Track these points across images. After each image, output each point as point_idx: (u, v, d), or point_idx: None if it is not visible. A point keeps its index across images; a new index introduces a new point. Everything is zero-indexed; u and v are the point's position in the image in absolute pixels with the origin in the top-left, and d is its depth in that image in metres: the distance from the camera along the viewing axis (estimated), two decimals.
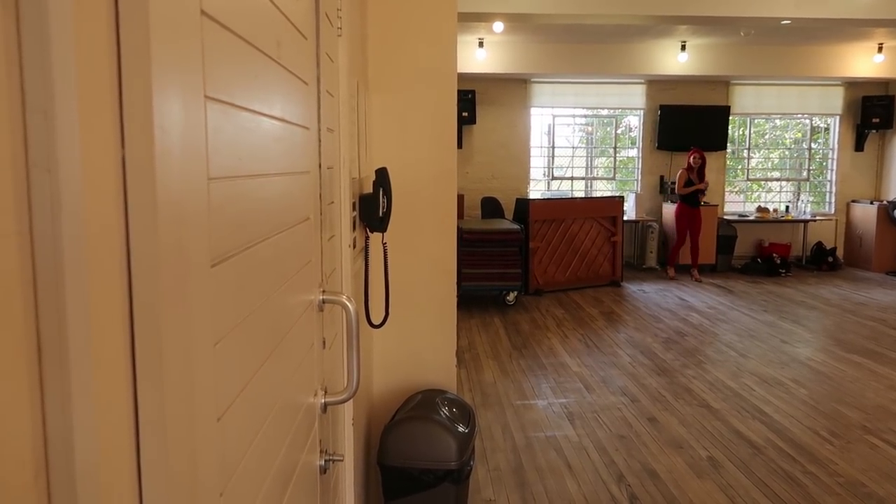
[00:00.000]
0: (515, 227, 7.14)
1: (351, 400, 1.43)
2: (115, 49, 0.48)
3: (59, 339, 0.38)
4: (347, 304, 1.36)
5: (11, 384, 0.36)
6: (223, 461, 0.73)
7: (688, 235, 8.69)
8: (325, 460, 1.34)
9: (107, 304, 0.45)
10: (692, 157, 8.43)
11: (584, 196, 9.65)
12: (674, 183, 9.68)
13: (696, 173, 8.46)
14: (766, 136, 10.45)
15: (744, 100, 9.89)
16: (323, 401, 1.35)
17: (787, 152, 10.46)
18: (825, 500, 3.09)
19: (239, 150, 0.78)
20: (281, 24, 1.04)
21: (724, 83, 9.74)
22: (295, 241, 1.16)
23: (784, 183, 10.40)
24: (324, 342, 1.42)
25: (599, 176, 10.13)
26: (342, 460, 1.37)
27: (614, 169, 10.12)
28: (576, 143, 10.12)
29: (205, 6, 0.67)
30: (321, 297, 1.36)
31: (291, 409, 1.14)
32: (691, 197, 8.51)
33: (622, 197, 8.62)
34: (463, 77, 8.71)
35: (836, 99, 9.93)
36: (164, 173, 0.52)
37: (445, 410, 2.40)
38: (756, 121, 10.22)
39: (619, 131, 10.15)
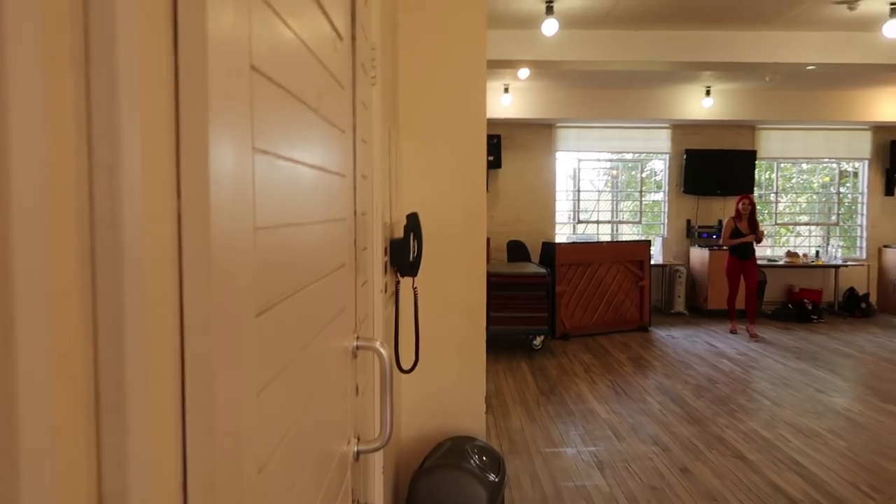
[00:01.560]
0: (542, 270, 7.11)
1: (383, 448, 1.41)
2: (174, 104, 0.49)
3: (118, 396, 0.38)
4: (381, 350, 1.35)
5: (72, 441, 0.35)
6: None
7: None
8: None
9: (161, 358, 0.45)
10: (741, 204, 7.76)
11: (610, 240, 9.60)
12: (707, 229, 9.61)
13: (747, 222, 7.71)
14: (794, 181, 10.37)
15: (770, 144, 9.85)
16: (356, 448, 1.33)
17: (815, 196, 10.36)
18: None
19: (282, 199, 0.79)
20: (322, 75, 1.06)
21: (749, 127, 9.73)
22: (332, 288, 1.16)
23: (813, 227, 10.26)
24: (357, 389, 1.41)
25: (625, 220, 10.09)
26: None
27: (640, 213, 10.09)
28: (601, 187, 10.13)
29: (254, 61, 0.69)
30: (355, 344, 1.35)
31: (326, 457, 1.13)
32: (742, 248, 7.74)
33: (649, 241, 8.56)
34: (489, 122, 8.78)
35: (863, 143, 9.85)
36: (217, 224, 0.53)
37: (476, 458, 2.36)
38: (783, 165, 10.16)
39: (644, 175, 10.15)
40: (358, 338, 1.37)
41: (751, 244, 7.74)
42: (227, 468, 0.56)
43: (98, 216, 0.38)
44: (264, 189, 0.70)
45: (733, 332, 8.01)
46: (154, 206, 0.44)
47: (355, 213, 1.44)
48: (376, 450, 1.35)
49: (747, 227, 7.72)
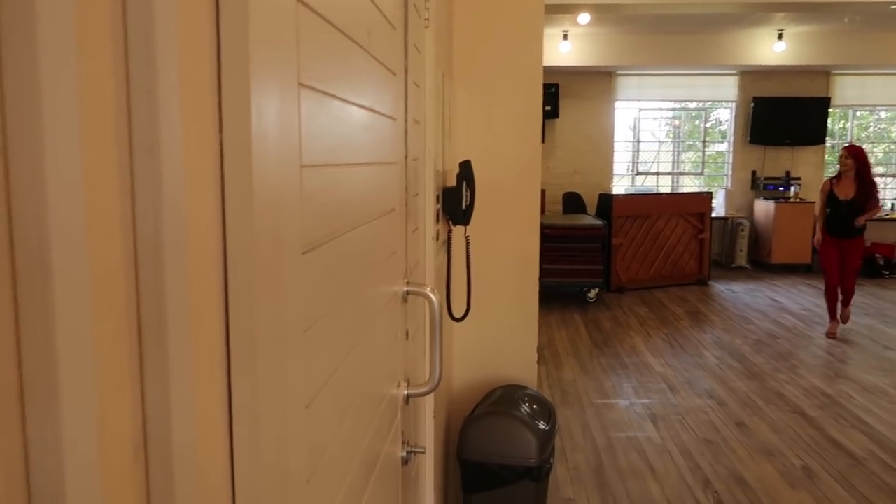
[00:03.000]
0: (598, 222, 7.00)
1: (433, 393, 1.42)
2: (214, 34, 0.48)
3: (159, 322, 0.38)
4: (431, 295, 1.35)
5: (114, 366, 0.36)
6: (311, 449, 0.74)
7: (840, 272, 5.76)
8: (407, 452, 1.34)
9: (203, 288, 0.45)
10: (841, 160, 5.69)
11: (670, 192, 9.35)
12: (774, 180, 9.22)
13: (853, 185, 5.55)
14: (870, 129, 9.83)
15: (846, 91, 9.33)
16: (406, 392, 1.35)
17: (893, 146, 9.81)
18: None
19: (330, 138, 0.78)
20: (372, 13, 1.03)
21: (824, 73, 9.22)
22: (381, 232, 1.16)
23: (889, 179, 9.75)
24: (406, 334, 1.42)
25: (687, 171, 9.80)
26: (423, 452, 1.37)
27: (703, 164, 9.77)
28: (662, 138, 9.83)
29: None
30: (405, 289, 1.35)
31: (375, 399, 1.14)
32: (840, 222, 5.59)
33: (710, 193, 8.30)
34: (546, 70, 8.57)
35: None
36: (259, 158, 0.52)
37: (526, 407, 2.37)
38: (859, 113, 9.63)
39: (707, 125, 9.79)
40: (408, 283, 1.38)
41: (852, 218, 5.52)
42: (271, 399, 0.56)
43: (137, 140, 0.37)
44: (310, 126, 0.70)
45: (832, 336, 5.76)
46: (194, 134, 0.43)
47: (406, 157, 1.43)
48: (425, 394, 1.36)
49: (853, 194, 5.53)
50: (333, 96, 0.79)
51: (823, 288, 5.87)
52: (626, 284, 7.64)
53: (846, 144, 5.80)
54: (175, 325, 0.39)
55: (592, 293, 7.01)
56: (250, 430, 0.53)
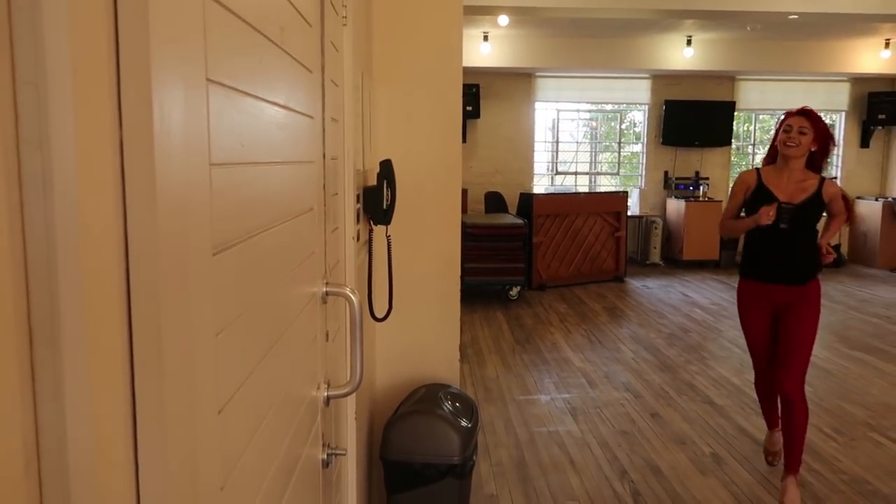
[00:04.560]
0: (519, 221, 7.11)
1: (354, 393, 1.41)
2: (112, 25, 0.46)
3: (52, 324, 0.36)
4: (351, 296, 1.34)
5: (1, 371, 0.34)
6: (224, 455, 0.72)
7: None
8: (328, 454, 1.33)
9: (102, 290, 0.43)
10: (791, 132, 2.97)
11: (587, 191, 9.61)
12: (684, 180, 9.63)
13: (811, 180, 2.96)
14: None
15: (749, 95, 9.83)
16: (326, 394, 1.33)
17: None
18: (829, 497, 3.07)
19: (242, 135, 0.76)
20: (285, 9, 1.02)
21: (729, 78, 9.69)
22: (298, 232, 1.14)
23: None
24: (327, 335, 1.41)
25: (604, 171, 10.09)
26: (345, 454, 1.35)
27: (619, 164, 10.08)
28: (580, 139, 10.09)
29: None
30: (324, 290, 1.34)
31: (294, 402, 1.12)
32: (778, 249, 2.98)
33: (626, 192, 8.58)
34: (467, 71, 8.65)
35: (842, 95, 9.88)
36: (163, 155, 0.51)
37: (448, 405, 2.39)
38: (761, 116, 10.17)
39: (623, 126, 10.11)
40: (328, 283, 1.36)
41: (803, 244, 2.96)
42: (180, 405, 0.55)
43: (24, 136, 0.36)
44: (220, 123, 0.68)
45: (771, 461, 3.35)
46: (89, 130, 0.42)
47: (325, 156, 1.41)
48: (346, 395, 1.35)
49: (805, 195, 2.94)
50: (245, 93, 0.77)
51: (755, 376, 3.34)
52: (546, 282, 7.80)
53: (795, 109, 3.07)
54: (69, 326, 0.37)
55: (514, 291, 7.12)
56: (157, 437, 0.51)
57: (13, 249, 0.35)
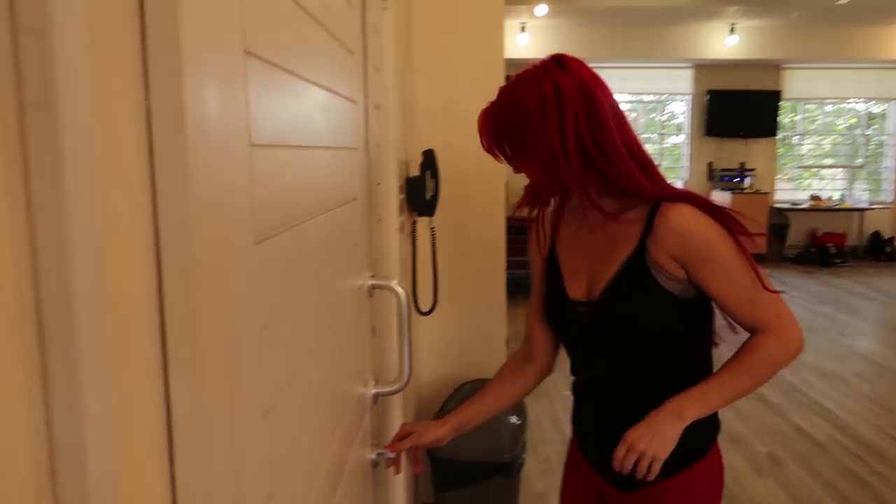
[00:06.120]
0: None
1: (402, 391, 1.35)
2: None
3: (65, 325, 0.30)
4: (398, 289, 1.28)
5: (5, 380, 0.28)
6: (270, 461, 0.66)
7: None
8: (377, 454, 1.27)
9: (127, 284, 0.37)
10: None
11: None
12: (729, 172, 9.33)
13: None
14: (818, 122, 10.05)
15: (796, 84, 9.50)
16: (374, 391, 1.27)
17: (839, 139, 10.05)
18: (894, 501, 2.91)
19: (284, 116, 0.70)
20: None
21: (774, 67, 9.38)
22: (343, 222, 1.08)
23: (837, 170, 9.99)
24: (373, 330, 1.35)
25: None
26: (393, 454, 1.29)
27: (660, 156, 9.86)
28: None
29: None
30: (370, 283, 1.28)
31: (342, 400, 1.07)
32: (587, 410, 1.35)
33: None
34: (505, 62, 8.51)
35: (893, 83, 9.48)
36: (197, 131, 0.44)
37: None
38: (807, 106, 9.83)
39: (664, 118, 9.89)
40: (373, 276, 1.30)
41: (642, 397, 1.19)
42: (221, 411, 0.49)
43: (27, 97, 0.29)
44: (261, 101, 0.62)
45: None
46: (108, 93, 0.35)
47: (368, 143, 1.35)
48: (395, 392, 1.29)
49: (604, 283, 1.19)
50: (286, 70, 0.71)
51: None
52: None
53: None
54: (87, 328, 0.31)
55: None
56: (195, 447, 0.45)
57: (16, 234, 0.29)
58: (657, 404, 1.14)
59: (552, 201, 1.31)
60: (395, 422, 1.54)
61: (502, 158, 1.26)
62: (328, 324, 0.99)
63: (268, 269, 0.62)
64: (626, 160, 1.14)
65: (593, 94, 1.16)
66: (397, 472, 1.35)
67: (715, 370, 1.22)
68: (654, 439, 1.10)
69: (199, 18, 0.46)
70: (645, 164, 1.18)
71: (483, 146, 1.28)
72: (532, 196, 1.28)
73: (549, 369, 1.44)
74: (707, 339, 1.24)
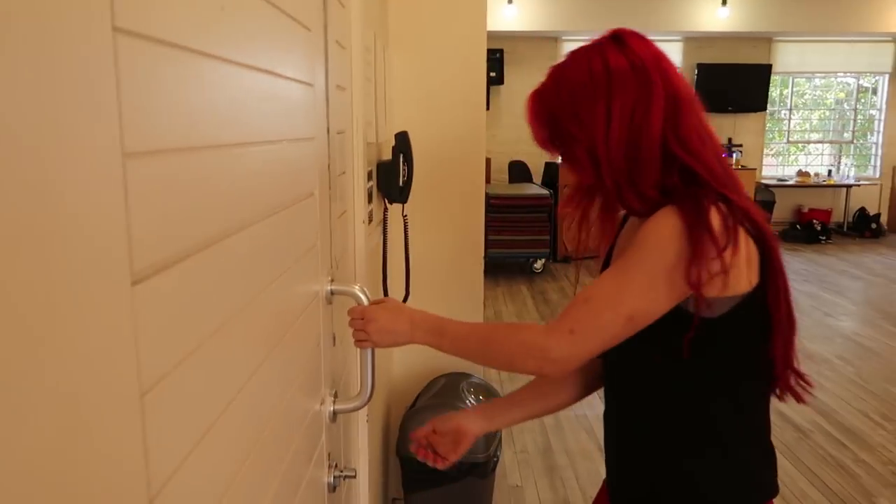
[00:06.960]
0: (544, 192, 6.87)
1: (364, 407, 1.22)
2: None
3: None
4: (360, 295, 1.15)
5: None
6: (209, 486, 0.54)
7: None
8: (335, 476, 1.15)
9: None
10: None
11: None
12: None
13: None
14: (807, 97, 9.95)
15: (787, 58, 9.38)
16: (332, 408, 1.15)
17: (828, 113, 9.96)
18: (880, 492, 2.86)
19: (192, 111, 0.56)
20: None
21: (766, 40, 9.24)
22: (295, 223, 0.94)
23: (825, 146, 9.92)
24: (333, 338, 1.22)
25: None
26: (354, 476, 1.17)
27: None
28: None
29: None
30: (329, 288, 1.15)
31: (293, 420, 0.95)
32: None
33: None
34: (490, 36, 8.27)
35: (885, 56, 9.38)
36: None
37: (471, 398, 2.21)
38: (796, 80, 9.72)
39: None
40: (332, 281, 1.17)
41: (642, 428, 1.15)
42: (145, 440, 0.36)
43: None
44: (149, 95, 0.48)
45: None
46: None
47: (328, 131, 1.21)
48: (356, 409, 1.17)
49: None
50: (195, 51, 0.57)
51: None
52: (572, 254, 7.56)
53: None
54: None
55: (539, 264, 6.91)
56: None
57: None
58: (655, 437, 1.05)
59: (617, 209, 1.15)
60: (360, 438, 1.42)
61: (556, 153, 1.08)
62: (277, 336, 0.87)
63: (156, 310, 0.49)
64: (671, 172, 0.97)
65: (650, 80, 0.98)
66: (422, 456, 1.23)
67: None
68: (383, 327, 1.08)
69: None
70: (699, 178, 0.97)
71: (534, 138, 1.09)
72: (571, 200, 1.14)
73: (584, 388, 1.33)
74: (744, 377, 1.04)
